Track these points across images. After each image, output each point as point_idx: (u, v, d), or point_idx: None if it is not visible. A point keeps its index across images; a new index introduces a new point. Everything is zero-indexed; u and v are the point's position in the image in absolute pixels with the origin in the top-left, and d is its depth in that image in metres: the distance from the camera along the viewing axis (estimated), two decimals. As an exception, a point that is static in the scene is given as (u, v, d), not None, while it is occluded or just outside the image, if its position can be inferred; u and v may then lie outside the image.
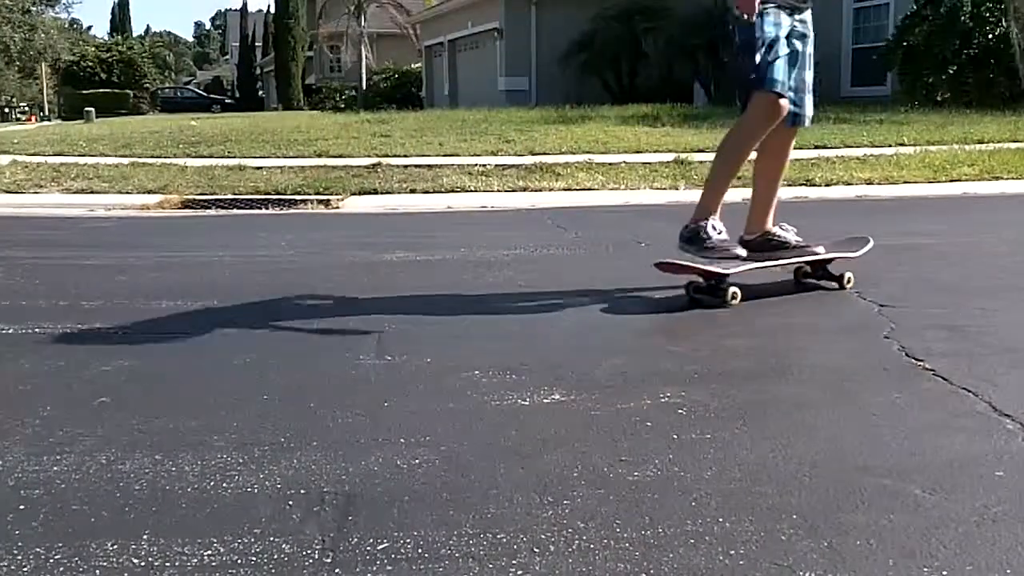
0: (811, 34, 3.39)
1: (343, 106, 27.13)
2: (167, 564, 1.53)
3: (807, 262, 3.55)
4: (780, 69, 3.22)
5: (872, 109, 13.73)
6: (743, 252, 3.35)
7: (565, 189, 7.08)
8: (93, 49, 48.81)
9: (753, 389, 2.41)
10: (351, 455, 1.98)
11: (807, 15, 3.36)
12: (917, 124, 11.00)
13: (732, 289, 3.24)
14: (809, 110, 3.45)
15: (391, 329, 3.09)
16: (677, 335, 2.97)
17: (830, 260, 3.55)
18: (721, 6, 3.71)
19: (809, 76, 3.41)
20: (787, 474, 1.86)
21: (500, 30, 23.20)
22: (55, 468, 1.92)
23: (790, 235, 3.55)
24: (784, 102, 3.23)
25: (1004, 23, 13.62)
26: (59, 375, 2.60)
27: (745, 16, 3.16)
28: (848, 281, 3.49)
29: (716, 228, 3.32)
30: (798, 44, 3.30)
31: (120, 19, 68.02)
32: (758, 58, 3.21)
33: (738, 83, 3.39)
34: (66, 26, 46.91)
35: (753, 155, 3.53)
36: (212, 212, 6.44)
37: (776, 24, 3.23)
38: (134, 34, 66.54)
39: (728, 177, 3.41)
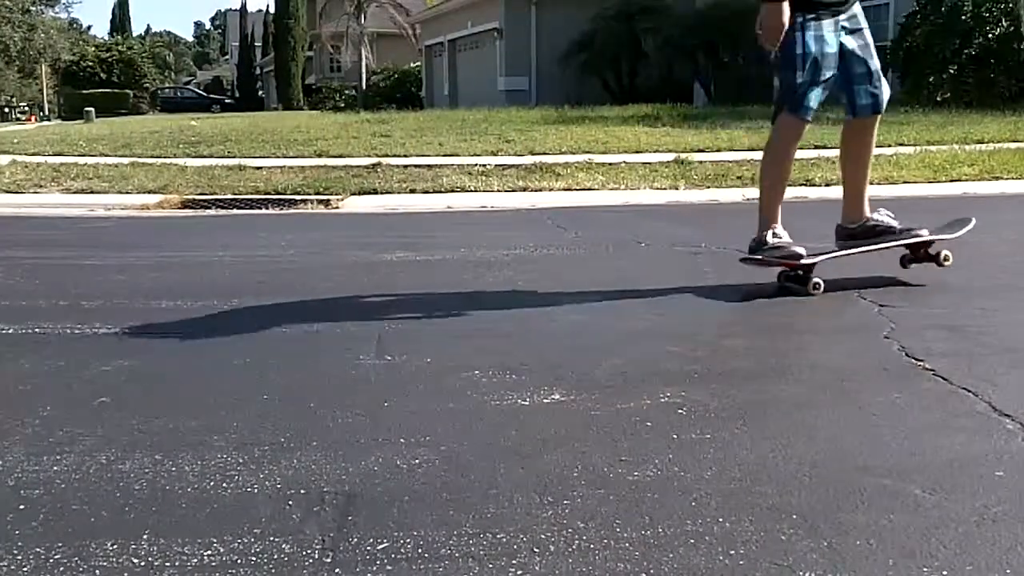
0: (864, 25, 3.44)
1: (343, 106, 27.13)
2: (167, 564, 1.53)
3: (909, 245, 3.64)
4: (815, 97, 3.34)
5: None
6: (802, 250, 3.43)
7: (565, 189, 7.08)
8: (93, 49, 48.81)
9: (753, 389, 2.41)
10: (351, 455, 1.98)
11: (855, 8, 3.40)
12: (917, 124, 11.00)
13: (814, 280, 3.38)
14: (885, 94, 3.51)
15: (391, 329, 3.09)
16: (677, 335, 2.97)
17: (932, 242, 3.63)
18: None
19: (875, 63, 3.45)
20: (787, 474, 1.86)
21: (500, 30, 23.20)
22: (55, 468, 1.92)
23: (891, 220, 3.63)
24: (807, 126, 3.41)
25: (1005, 22, 13.62)
26: (59, 375, 2.60)
27: (768, 47, 3.24)
28: (946, 259, 3.58)
29: (776, 234, 3.43)
30: (852, 44, 3.37)
31: (120, 19, 67.98)
32: (799, 77, 3.29)
33: (775, 91, 3.47)
34: (66, 26, 46.89)
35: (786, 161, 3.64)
36: (212, 212, 6.44)
37: (818, 38, 3.28)
38: (134, 34, 66.54)
39: (775, 192, 3.55)
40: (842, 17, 3.33)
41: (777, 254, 3.40)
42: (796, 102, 3.34)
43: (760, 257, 3.42)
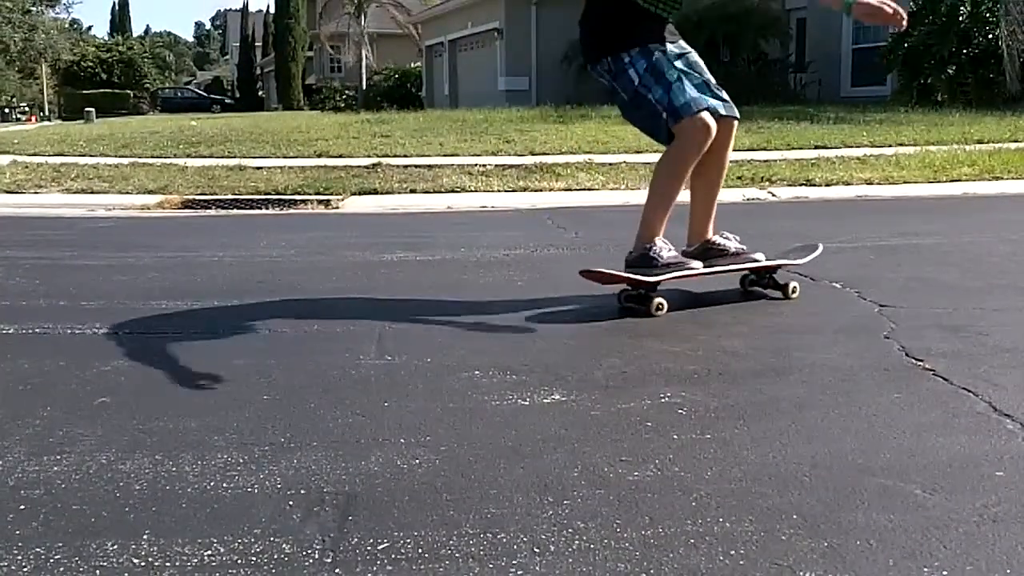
0: (689, 50, 3.32)
1: (343, 106, 27.13)
2: (167, 564, 1.53)
3: (749, 269, 3.46)
4: (683, 89, 3.14)
5: (872, 109, 13.74)
6: (698, 265, 3.30)
7: (565, 189, 7.08)
8: (93, 49, 48.89)
9: (753, 389, 2.41)
10: (351, 455, 1.98)
11: (680, 41, 3.31)
12: (917, 124, 11.00)
13: (657, 300, 3.18)
14: (729, 100, 3.30)
15: (391, 329, 3.09)
16: (677, 335, 2.97)
17: (775, 268, 3.45)
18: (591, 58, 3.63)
19: (708, 76, 3.30)
20: (787, 474, 1.86)
21: (500, 30, 23.20)
22: (55, 468, 1.92)
23: (731, 243, 3.43)
24: (706, 115, 3.14)
25: (1000, 25, 13.66)
26: (59, 375, 2.60)
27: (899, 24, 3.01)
28: (793, 291, 3.38)
29: (665, 246, 3.26)
30: (679, 62, 3.23)
31: (120, 19, 68.04)
32: (655, 96, 3.15)
33: (649, 130, 3.32)
34: (66, 26, 46.95)
35: None
36: (212, 212, 6.44)
37: (645, 58, 3.17)
38: (134, 34, 66.56)
39: (666, 204, 3.29)
40: (669, 44, 3.24)
41: (664, 272, 3.21)
42: (672, 110, 3.13)
43: (608, 271, 3.28)
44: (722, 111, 3.25)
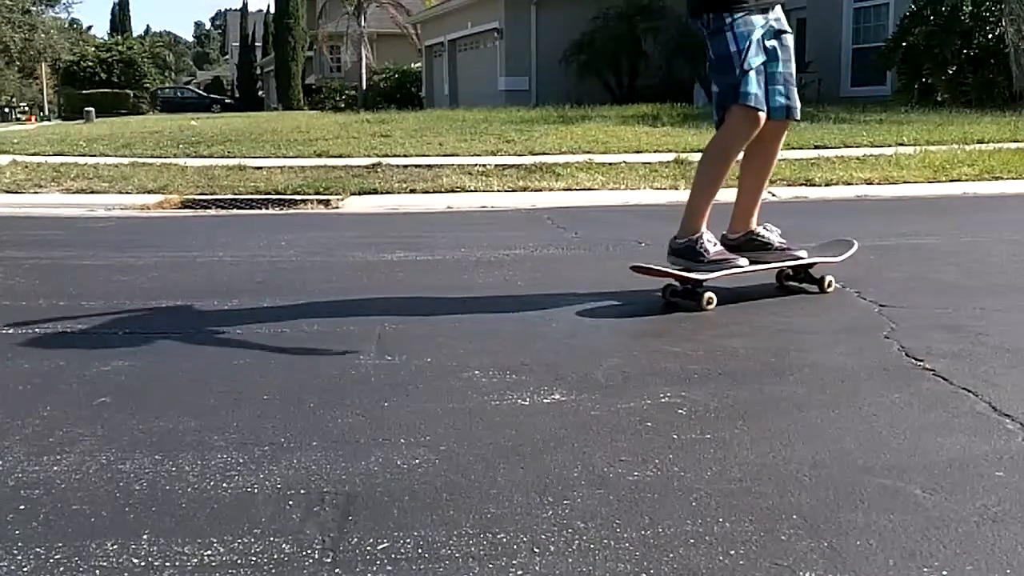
0: (788, 30, 3.33)
1: (343, 106, 27.17)
2: (167, 564, 1.53)
3: (789, 266, 3.51)
4: (755, 82, 3.19)
5: (872, 109, 13.74)
6: (744, 262, 3.33)
7: (565, 189, 7.08)
8: (93, 49, 48.84)
9: (753, 389, 2.41)
10: (351, 455, 1.98)
11: (779, 10, 3.31)
12: (917, 124, 10.99)
13: (708, 295, 3.23)
14: (797, 102, 3.35)
15: (391, 329, 3.09)
16: (677, 335, 2.97)
17: (812, 264, 3.49)
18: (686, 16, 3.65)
19: (790, 68, 3.32)
20: (787, 474, 1.86)
21: (500, 30, 23.20)
22: (55, 468, 1.92)
23: (774, 236, 3.48)
24: (761, 115, 3.21)
25: (1003, 23, 13.64)
26: (59, 375, 2.60)
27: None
28: (829, 285, 3.45)
29: (711, 240, 3.31)
30: (773, 42, 3.26)
31: (120, 19, 67.96)
32: (737, 72, 3.18)
33: (717, 98, 3.32)
34: (66, 26, 46.96)
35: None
36: (212, 212, 6.44)
37: (744, 29, 3.18)
38: (134, 34, 66.40)
39: (712, 190, 3.35)
40: (771, 16, 3.25)
41: (710, 268, 3.26)
42: (736, 91, 3.18)
43: (658, 266, 3.32)
44: (781, 115, 3.30)
